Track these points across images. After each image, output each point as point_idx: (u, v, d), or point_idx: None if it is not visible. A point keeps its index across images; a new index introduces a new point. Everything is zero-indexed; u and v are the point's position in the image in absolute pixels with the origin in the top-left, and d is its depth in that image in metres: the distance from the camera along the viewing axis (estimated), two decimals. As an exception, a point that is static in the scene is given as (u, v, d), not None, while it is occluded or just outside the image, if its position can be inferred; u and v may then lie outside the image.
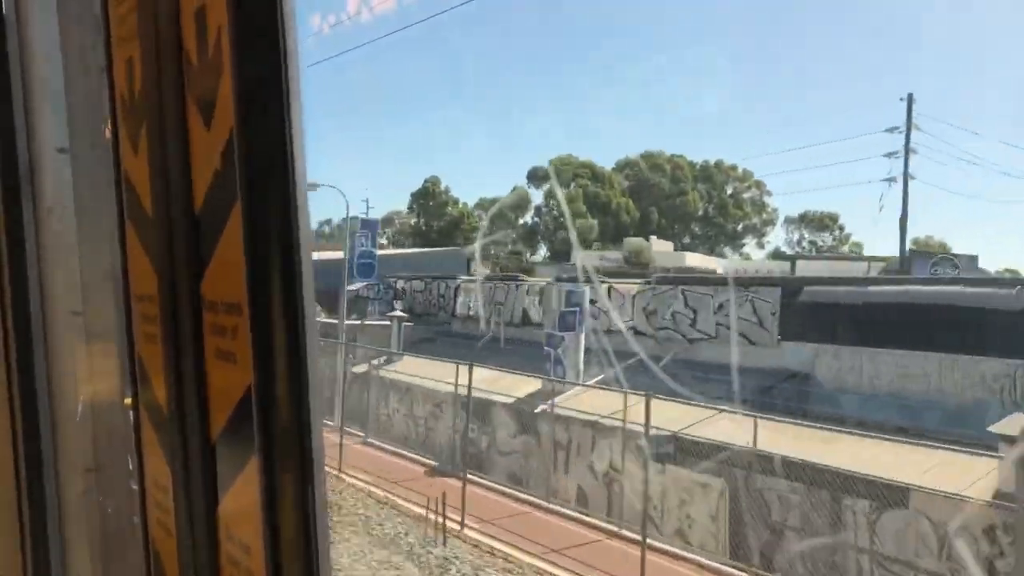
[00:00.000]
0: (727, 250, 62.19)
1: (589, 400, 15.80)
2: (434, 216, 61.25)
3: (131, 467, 1.27)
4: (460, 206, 61.73)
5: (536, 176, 58.64)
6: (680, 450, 13.29)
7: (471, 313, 26.18)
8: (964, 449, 11.38)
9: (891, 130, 39.36)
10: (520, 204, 58.65)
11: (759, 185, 63.41)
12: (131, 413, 1.12)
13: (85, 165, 1.29)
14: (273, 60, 0.78)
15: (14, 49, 1.27)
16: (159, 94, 0.93)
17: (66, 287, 1.30)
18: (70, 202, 1.29)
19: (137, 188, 1.01)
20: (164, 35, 0.91)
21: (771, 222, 64.61)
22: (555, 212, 56.76)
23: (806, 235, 63.66)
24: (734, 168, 62.72)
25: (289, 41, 0.79)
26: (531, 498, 14.89)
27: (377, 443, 18.93)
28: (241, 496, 0.84)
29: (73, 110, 1.28)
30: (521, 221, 59.87)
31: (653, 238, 49.96)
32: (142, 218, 1.00)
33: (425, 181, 62.32)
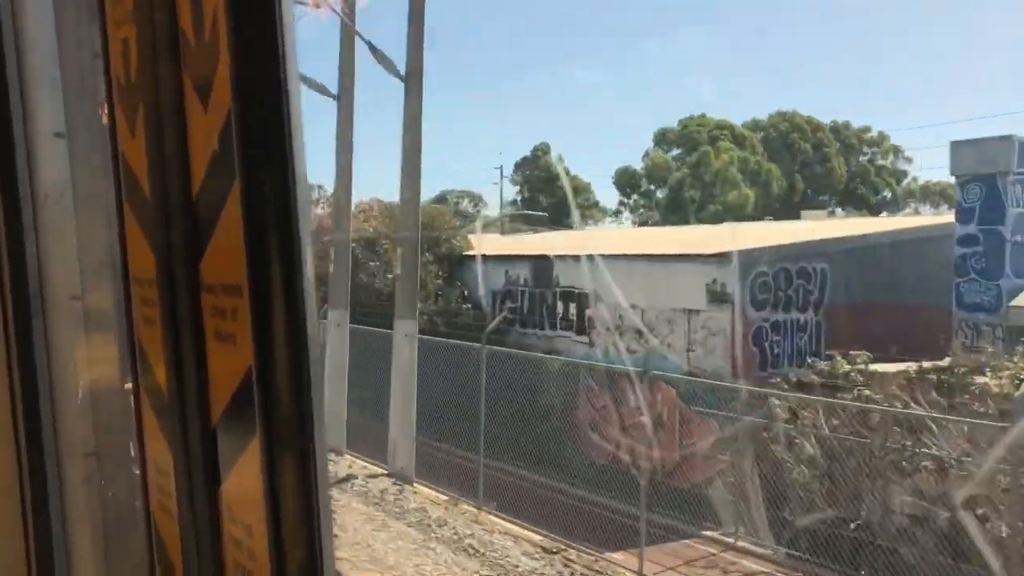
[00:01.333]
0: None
1: None
2: (541, 189, 49.83)
3: (132, 452, 1.27)
4: (573, 177, 49.56)
5: (666, 139, 48.27)
6: None
7: None
8: None
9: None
10: (658, 173, 47.63)
11: (897, 150, 52.96)
12: (131, 397, 1.12)
13: (82, 149, 1.28)
14: (271, 40, 0.78)
15: (9, 33, 1.26)
16: (155, 76, 0.92)
17: (65, 272, 1.30)
18: (68, 187, 1.29)
19: (135, 171, 1.01)
20: (160, 16, 0.90)
21: (912, 193, 53.60)
22: (707, 178, 45.27)
23: (919, 209, 52.63)
24: (867, 130, 52.58)
25: (286, 21, 0.78)
26: None
27: None
28: (243, 478, 0.84)
29: (69, 94, 1.27)
30: (660, 193, 48.82)
31: (821, 212, 40.27)
32: (140, 201, 1.00)
33: (534, 148, 50.94)
